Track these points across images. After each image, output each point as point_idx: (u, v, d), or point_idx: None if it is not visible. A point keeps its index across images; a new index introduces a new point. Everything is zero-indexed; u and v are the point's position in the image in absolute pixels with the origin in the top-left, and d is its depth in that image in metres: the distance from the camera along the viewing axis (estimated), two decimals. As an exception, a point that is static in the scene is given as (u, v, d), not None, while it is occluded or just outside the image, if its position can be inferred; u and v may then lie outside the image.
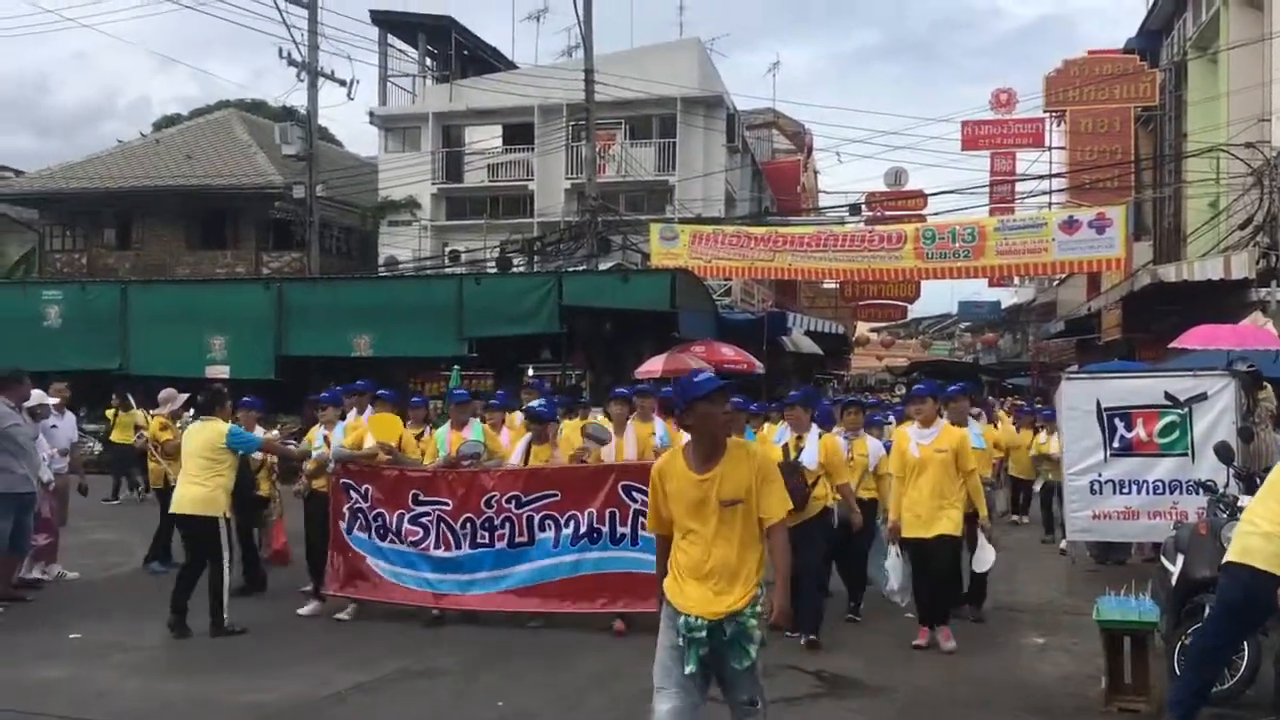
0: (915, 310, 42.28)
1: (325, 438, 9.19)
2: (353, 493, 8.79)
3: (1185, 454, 9.21)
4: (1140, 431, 9.31)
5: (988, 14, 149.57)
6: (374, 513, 8.72)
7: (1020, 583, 10.88)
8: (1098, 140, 28.82)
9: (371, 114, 36.97)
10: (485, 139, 37.06)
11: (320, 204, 27.63)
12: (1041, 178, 30.16)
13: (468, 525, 8.42)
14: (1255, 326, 14.70)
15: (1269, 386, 11.31)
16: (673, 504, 4.25)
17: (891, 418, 11.96)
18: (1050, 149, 32.10)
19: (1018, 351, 44.11)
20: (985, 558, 8.04)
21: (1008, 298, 46.21)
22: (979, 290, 43.27)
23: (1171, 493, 9.25)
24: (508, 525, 8.31)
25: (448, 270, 29.75)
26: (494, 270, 26.53)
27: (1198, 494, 8.52)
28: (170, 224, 32.68)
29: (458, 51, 37.02)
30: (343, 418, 9.43)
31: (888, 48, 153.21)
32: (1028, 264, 23.26)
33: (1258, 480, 7.48)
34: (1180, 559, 6.87)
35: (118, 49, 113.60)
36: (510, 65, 38.09)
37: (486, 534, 8.37)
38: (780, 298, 34.55)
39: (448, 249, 33.56)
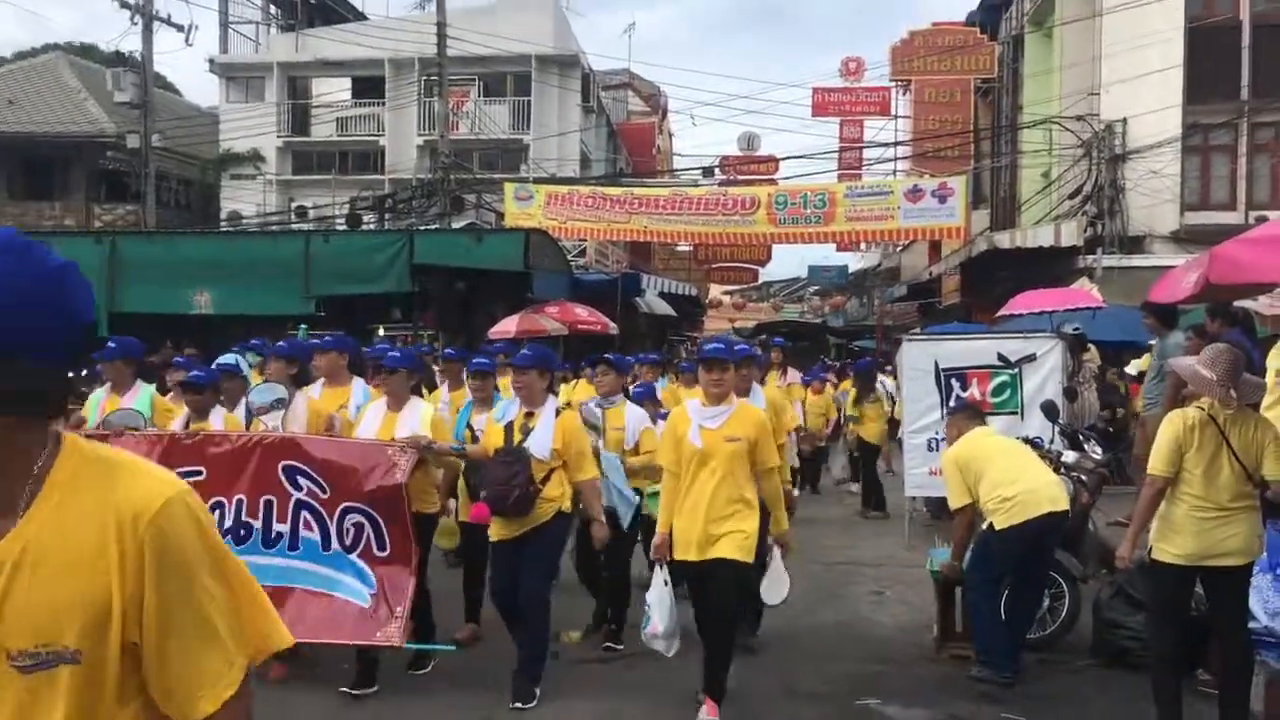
0: (766, 274, 43.05)
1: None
2: None
3: (1015, 412, 9.63)
4: (974, 390, 9.70)
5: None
6: None
7: (859, 537, 11.29)
8: (940, 110, 29.70)
9: (212, 62, 35.42)
10: (334, 91, 35.94)
11: (156, 154, 26.39)
12: (887, 145, 31.00)
13: None
14: (1080, 290, 15.50)
15: (1093, 348, 11.97)
16: None
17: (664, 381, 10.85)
18: (896, 117, 32.98)
19: (864, 315, 45.37)
20: (778, 589, 6.00)
21: (855, 262, 47.43)
22: (828, 255, 44.28)
23: (1003, 450, 9.66)
24: None
25: (294, 226, 28.85)
26: (343, 227, 25.84)
27: (1026, 450, 8.94)
28: (-10, 172, 30.72)
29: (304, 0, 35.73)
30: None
31: (742, 13, 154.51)
32: (875, 230, 23.87)
33: (1080, 436, 7.93)
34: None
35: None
36: (360, 16, 36.99)
37: None
38: (635, 259, 34.70)
39: (294, 204, 32.52)
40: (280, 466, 6.04)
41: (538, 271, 18.01)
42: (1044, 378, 9.54)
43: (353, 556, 5.97)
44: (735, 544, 5.36)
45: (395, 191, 29.03)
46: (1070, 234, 18.52)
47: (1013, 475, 6.20)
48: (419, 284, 17.73)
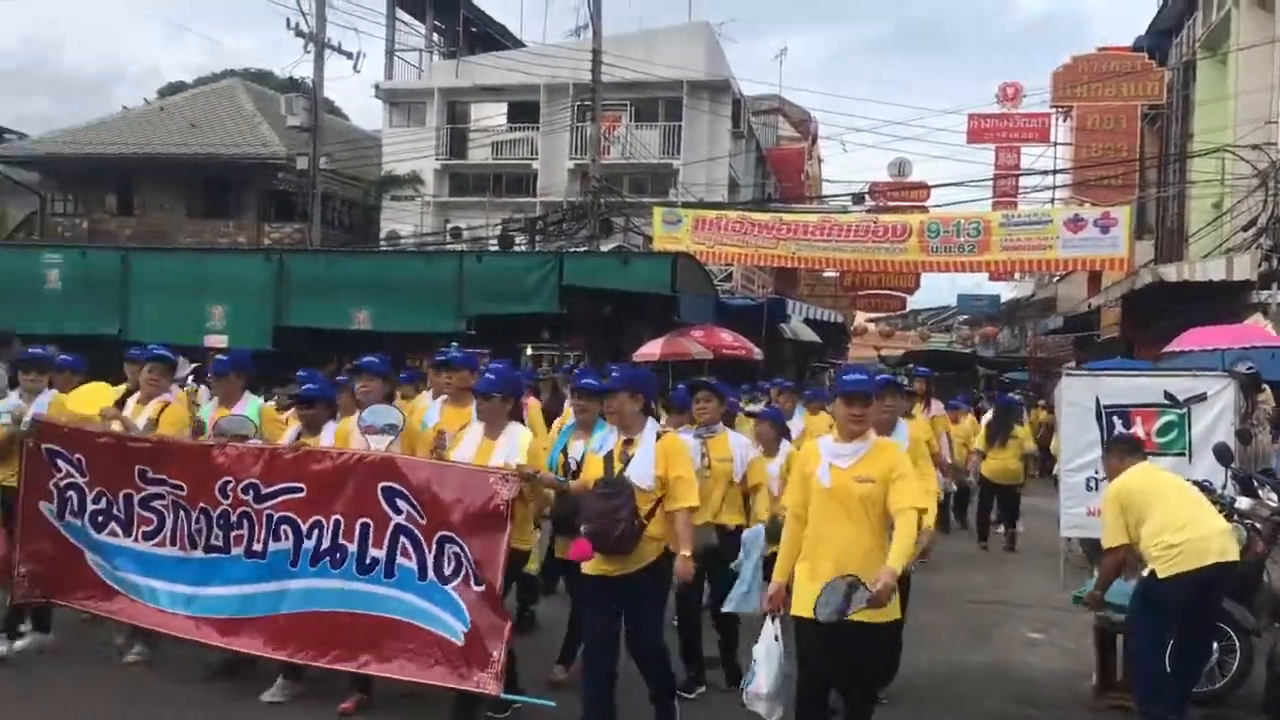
0: (914, 302, 42.25)
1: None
2: (61, 463, 6.60)
3: (1182, 454, 9.19)
4: (1138, 429, 9.30)
5: (998, 8, 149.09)
6: (94, 492, 6.56)
7: (1012, 577, 10.93)
8: (1103, 137, 28.73)
9: (377, 87, 36.83)
10: (490, 116, 36.91)
11: (323, 176, 27.54)
12: (1046, 173, 30.11)
13: (203, 520, 6.24)
14: (1256, 326, 14.72)
15: (1268, 389, 11.34)
16: None
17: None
18: (1055, 144, 32.04)
19: (1016, 346, 44.09)
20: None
21: (1007, 292, 46.18)
22: (979, 283, 43.27)
23: (1167, 492, 9.25)
24: (246, 524, 6.10)
25: (449, 247, 29.68)
26: (495, 248, 26.46)
27: (1194, 494, 8.53)
28: (172, 192, 32.57)
29: (465, 27, 36.91)
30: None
31: (896, 39, 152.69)
32: (1032, 260, 23.24)
33: (1255, 482, 7.52)
34: (1175, 558, 6.87)
35: (130, 16, 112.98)
36: (518, 43, 37.94)
37: (221, 534, 6.18)
38: (780, 285, 34.52)
39: (449, 225, 33.49)
40: (380, 488, 5.71)
41: (684, 295, 18.10)
42: (1215, 418, 9.09)
43: (449, 589, 5.55)
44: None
45: (546, 214, 29.59)
46: (1243, 268, 17.62)
47: (1180, 520, 5.88)
48: (567, 305, 18.02)
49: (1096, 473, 9.46)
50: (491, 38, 37.74)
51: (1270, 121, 18.81)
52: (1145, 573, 5.95)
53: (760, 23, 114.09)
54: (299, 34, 25.96)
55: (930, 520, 5.81)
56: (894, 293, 35.75)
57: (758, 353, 18.14)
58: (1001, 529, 13.34)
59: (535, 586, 7.79)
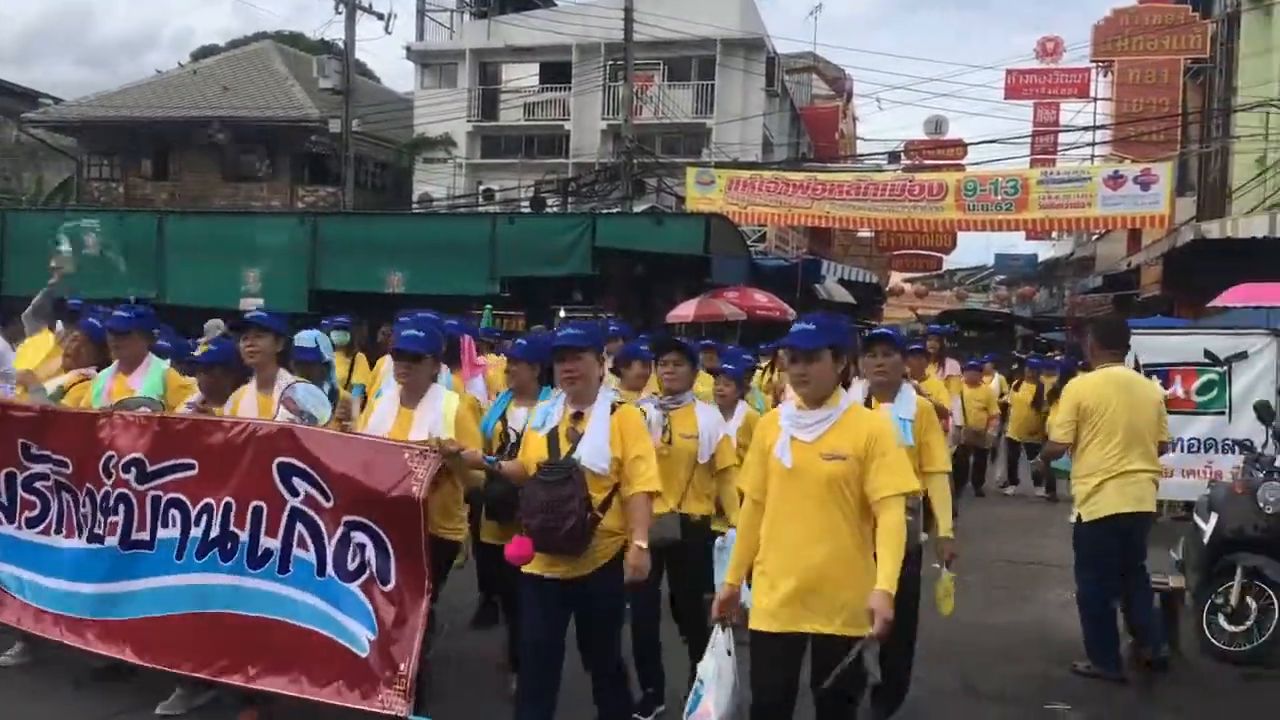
0: (950, 261, 41.84)
1: None
2: None
3: (1222, 412, 9.13)
4: (1178, 389, 9.20)
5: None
6: None
7: (1045, 536, 10.86)
8: (1145, 92, 28.16)
9: (409, 49, 36.75)
10: (522, 77, 36.75)
11: (356, 139, 27.57)
12: (1085, 129, 29.62)
13: (88, 503, 5.31)
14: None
15: (1312, 347, 11.14)
16: None
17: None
18: (1095, 100, 31.47)
19: (1054, 306, 43.60)
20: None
21: (1045, 251, 45.64)
22: (1015, 242, 42.81)
23: (1206, 451, 9.18)
24: (123, 509, 5.15)
25: (482, 209, 29.68)
26: (528, 210, 26.42)
27: (1233, 453, 8.46)
28: (206, 155, 32.76)
29: (496, -13, 36.65)
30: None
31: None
32: (1070, 218, 22.92)
33: (1297, 440, 7.42)
34: (1214, 517, 6.83)
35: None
36: (549, 3, 37.68)
37: (102, 519, 5.24)
38: (814, 245, 34.28)
39: (482, 187, 33.47)
40: (275, 464, 4.77)
41: (717, 256, 18.01)
42: (1256, 377, 8.99)
43: (353, 588, 4.64)
44: (850, 608, 3.73)
45: (579, 175, 29.52)
46: (1288, 224, 17.27)
47: (1108, 462, 6.00)
48: (600, 267, 17.98)
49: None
50: (523, -3, 37.52)
51: (1317, 74, 18.35)
52: (1072, 517, 6.23)
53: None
54: (330, -5, 25.91)
55: (943, 495, 5.10)
56: (930, 252, 35.35)
57: (791, 314, 18.02)
58: (1043, 487, 13.27)
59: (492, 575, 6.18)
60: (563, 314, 17.70)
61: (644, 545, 4.38)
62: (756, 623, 3.89)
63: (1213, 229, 18.90)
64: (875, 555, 3.78)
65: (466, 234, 19.35)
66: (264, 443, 4.82)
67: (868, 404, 4.95)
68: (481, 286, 18.33)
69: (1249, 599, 6.41)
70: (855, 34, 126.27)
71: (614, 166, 26.72)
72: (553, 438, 4.48)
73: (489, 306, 18.03)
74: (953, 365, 11.63)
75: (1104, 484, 6.00)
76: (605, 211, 23.07)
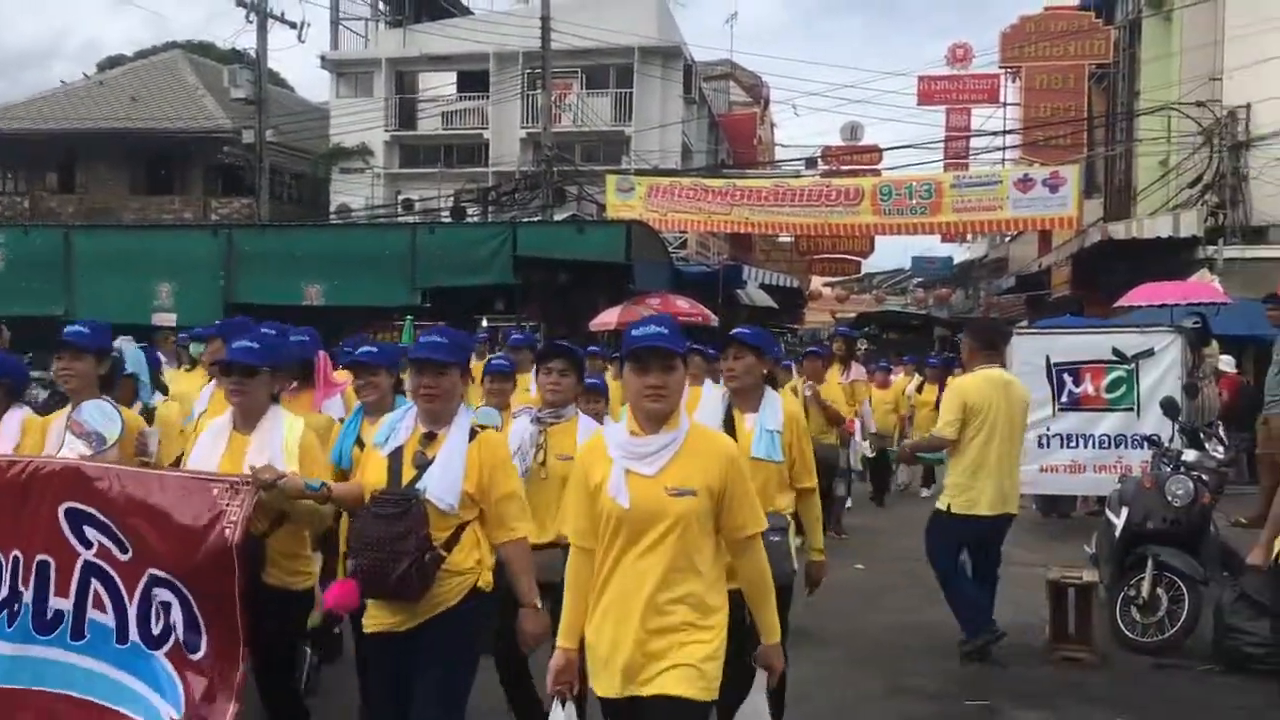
0: (868, 265, 42.42)
1: None
2: None
3: (1131, 409, 9.38)
4: (1088, 386, 9.46)
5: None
6: None
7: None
8: (1052, 97, 28.89)
9: (323, 58, 36.30)
10: (440, 86, 36.53)
11: (270, 149, 27.13)
12: (996, 134, 30.30)
13: None
14: (1204, 283, 14.95)
15: (1215, 343, 11.53)
16: None
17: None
18: (1005, 105, 32.21)
19: (970, 307, 44.43)
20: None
21: (960, 253, 46.50)
22: (932, 245, 43.49)
23: (1117, 447, 9.43)
24: None
25: (401, 219, 29.41)
26: (448, 220, 26.25)
27: (1142, 448, 8.68)
28: (114, 168, 31.97)
29: (412, -5, 36.37)
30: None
31: (846, 1, 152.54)
32: (983, 221, 23.44)
33: (1201, 435, 7.65)
34: (1125, 511, 7.00)
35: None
36: (465, 11, 37.51)
37: None
38: (736, 250, 34.55)
39: (401, 197, 33.17)
40: (63, 511, 3.95)
41: (639, 263, 18.08)
42: (1162, 373, 9.27)
43: (159, 656, 3.89)
44: (684, 675, 3.13)
45: (499, 184, 29.39)
46: (1190, 224, 17.88)
47: (981, 461, 6.29)
48: (522, 275, 17.93)
49: (1048, 430, 9.63)
50: (438, 5, 37.24)
51: (1214, 78, 18.98)
52: (940, 505, 6.48)
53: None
54: (241, 3, 25.48)
55: (814, 513, 4.73)
56: (849, 256, 35.82)
57: (714, 319, 18.15)
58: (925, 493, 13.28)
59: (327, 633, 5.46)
60: (485, 324, 17.62)
61: (537, 604, 3.78)
62: (599, 687, 3.26)
63: (1119, 230, 19.48)
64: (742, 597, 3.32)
65: (386, 245, 19.19)
66: (48, 484, 3.98)
67: (728, 416, 4.53)
68: (402, 297, 18.17)
69: (1160, 590, 6.58)
70: (771, 41, 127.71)
71: (534, 175, 26.65)
72: (395, 460, 3.79)
73: (410, 318, 17.88)
74: (858, 369, 11.33)
75: (982, 482, 6.30)
76: (526, 220, 23.02)
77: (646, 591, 3.13)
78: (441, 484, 3.69)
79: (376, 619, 3.76)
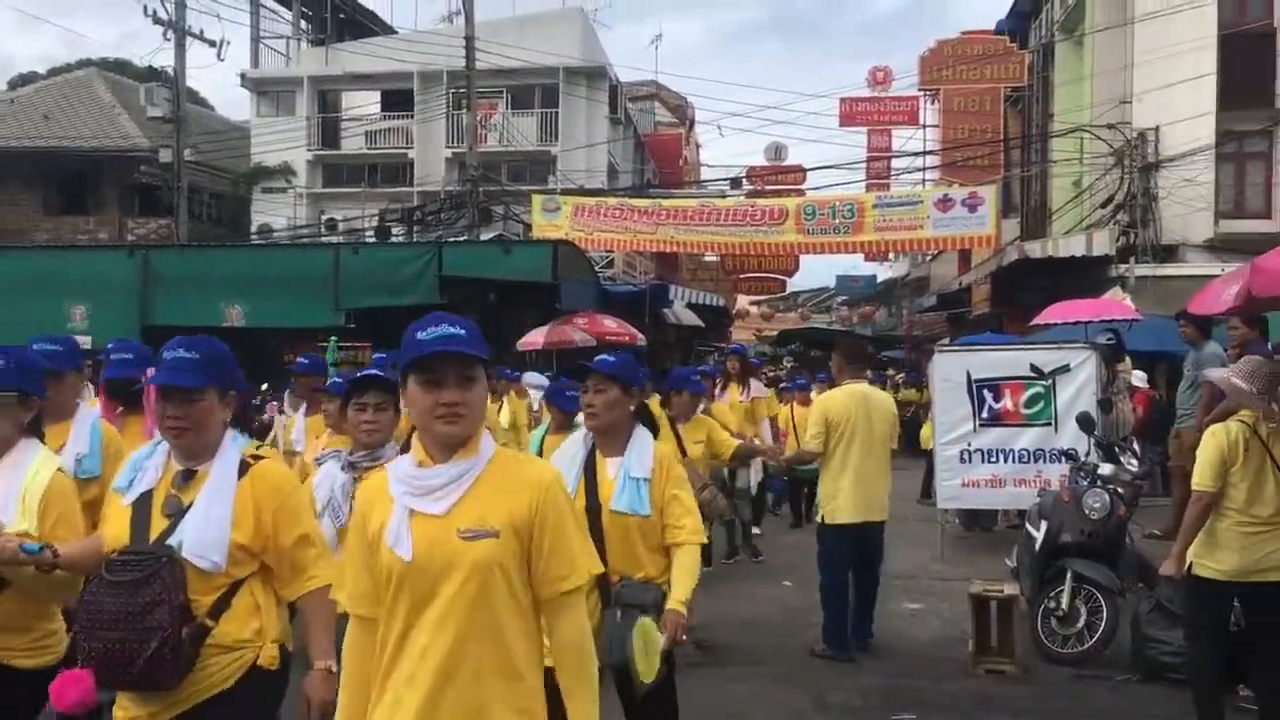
0: (793, 284, 42.96)
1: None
2: None
3: (1049, 424, 9.55)
4: (1007, 402, 9.64)
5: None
6: None
7: (891, 549, 11.16)
8: (969, 119, 29.58)
9: (243, 76, 35.73)
10: (363, 105, 36.20)
11: (189, 169, 26.60)
12: (916, 154, 30.88)
13: None
14: (1115, 300, 15.35)
15: (1128, 359, 11.84)
16: None
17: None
18: (924, 127, 32.87)
19: (893, 325, 45.16)
20: None
21: (883, 272, 47.27)
22: (855, 264, 44.15)
23: (1036, 461, 9.59)
24: None
25: (324, 239, 29.03)
26: (372, 239, 25.98)
27: (1060, 462, 8.86)
28: (26, 188, 31.09)
29: (334, 14, 36.01)
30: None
31: (769, 24, 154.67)
32: (904, 240, 23.78)
33: (1116, 449, 7.83)
34: (1044, 525, 7.14)
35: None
36: (389, 29, 37.22)
37: None
38: (662, 270, 34.69)
39: (324, 217, 32.75)
40: None
41: (566, 283, 18.05)
42: (1078, 389, 9.45)
43: None
44: None
45: (424, 204, 29.13)
46: (1102, 243, 18.38)
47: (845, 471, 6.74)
48: (448, 295, 17.79)
49: (970, 445, 9.78)
50: (361, 24, 36.94)
51: (1124, 101, 19.57)
52: (819, 517, 6.97)
53: (635, 8, 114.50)
54: (157, 21, 24.99)
55: (691, 568, 3.84)
56: (774, 275, 36.26)
57: (641, 338, 18.18)
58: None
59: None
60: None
61: (331, 667, 2.95)
62: None
63: (1035, 249, 19.95)
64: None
65: (309, 265, 18.91)
66: None
67: (590, 460, 3.90)
68: (326, 318, 17.92)
69: (1079, 603, 6.71)
70: (695, 63, 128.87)
71: (459, 194, 26.49)
72: (140, 509, 2.95)
73: (334, 338, 17.64)
74: (757, 387, 10.84)
75: (844, 491, 6.72)
76: (452, 240, 22.84)
77: (441, 669, 2.36)
78: (202, 536, 2.88)
79: (127, 710, 2.92)
